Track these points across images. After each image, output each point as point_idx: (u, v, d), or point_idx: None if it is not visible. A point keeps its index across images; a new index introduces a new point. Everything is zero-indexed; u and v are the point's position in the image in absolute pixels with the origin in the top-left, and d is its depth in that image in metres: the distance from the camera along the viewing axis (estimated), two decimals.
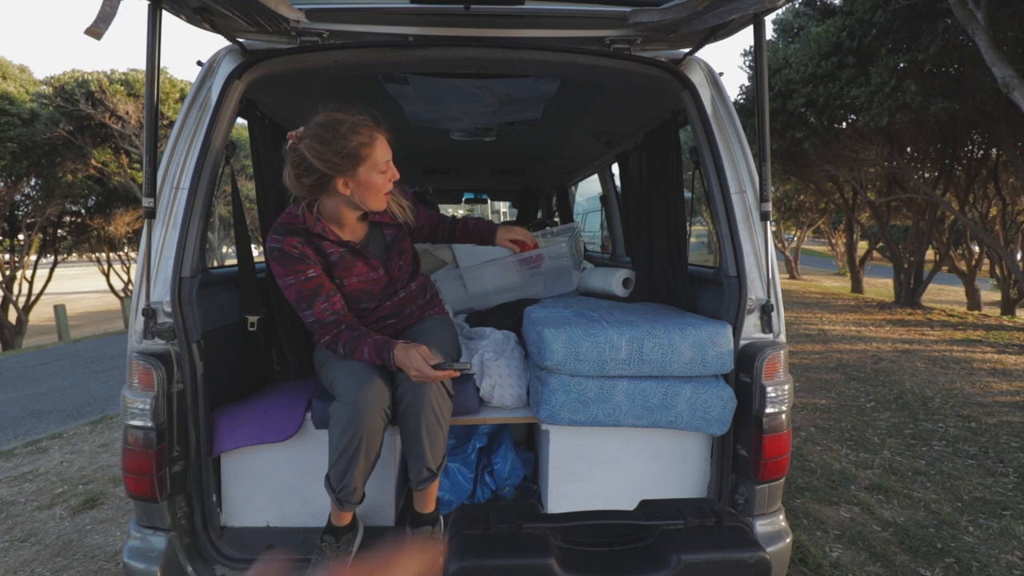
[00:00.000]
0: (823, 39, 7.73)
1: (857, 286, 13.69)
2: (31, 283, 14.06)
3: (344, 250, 1.52)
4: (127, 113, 11.51)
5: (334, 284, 1.51)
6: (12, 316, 13.38)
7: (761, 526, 1.53)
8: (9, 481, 3.50)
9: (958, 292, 13.58)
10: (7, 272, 13.41)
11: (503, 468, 1.73)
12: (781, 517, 1.58)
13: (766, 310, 1.61)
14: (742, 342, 1.59)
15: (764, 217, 1.58)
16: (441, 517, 1.53)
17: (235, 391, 1.74)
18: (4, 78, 11.39)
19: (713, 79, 1.69)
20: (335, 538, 1.41)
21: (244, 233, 1.82)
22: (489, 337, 1.78)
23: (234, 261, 1.90)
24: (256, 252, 3.07)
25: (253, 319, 1.88)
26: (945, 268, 11.42)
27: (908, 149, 9.46)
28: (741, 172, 1.66)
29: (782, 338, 1.63)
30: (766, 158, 1.54)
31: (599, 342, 1.47)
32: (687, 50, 1.70)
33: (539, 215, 5.04)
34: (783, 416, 1.53)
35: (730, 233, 1.61)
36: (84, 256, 17.57)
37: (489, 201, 7.11)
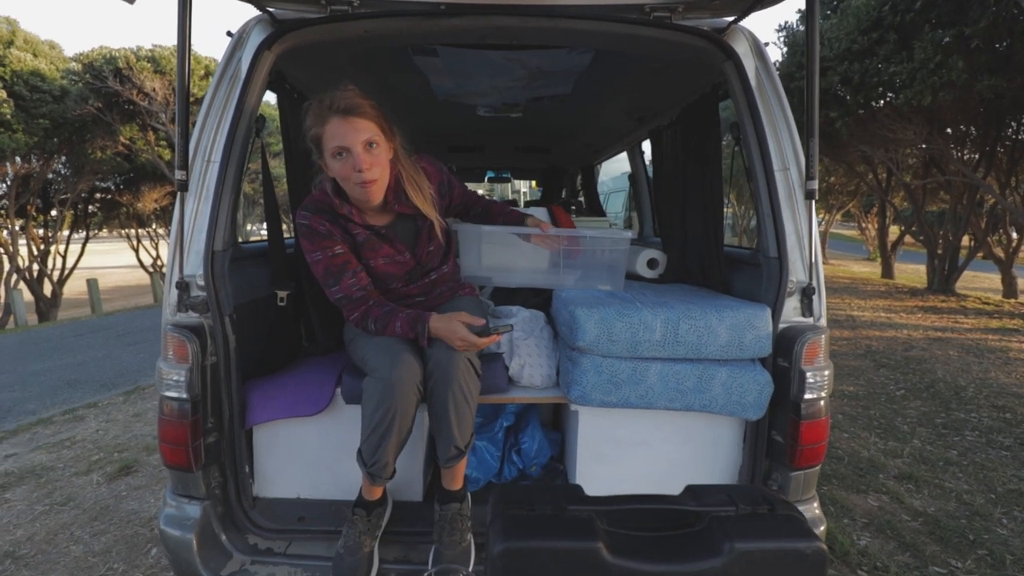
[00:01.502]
0: (863, 13, 7.39)
1: (888, 271, 13.32)
2: (64, 257, 14.47)
3: (370, 232, 1.50)
4: (154, 90, 11.62)
5: (361, 264, 1.50)
6: (48, 289, 13.81)
7: None
8: (48, 447, 3.64)
9: (993, 279, 13.12)
10: (41, 247, 13.82)
11: (530, 447, 1.73)
12: (815, 505, 1.54)
13: (807, 293, 1.56)
14: (781, 325, 1.54)
15: (809, 196, 1.52)
16: (468, 494, 1.53)
17: (266, 365, 1.76)
18: (35, 55, 11.55)
19: (758, 50, 1.61)
20: (366, 512, 1.42)
21: (274, 208, 1.82)
22: (517, 315, 1.76)
23: (258, 237, 1.90)
24: (285, 228, 3.08)
25: (283, 294, 1.88)
26: (981, 255, 11.03)
27: (948, 130, 9.06)
28: (785, 149, 1.59)
29: (823, 322, 1.57)
30: (814, 133, 1.47)
31: (633, 323, 1.44)
32: (731, 18, 1.62)
33: (563, 194, 4.97)
34: (822, 403, 1.48)
35: (772, 212, 1.55)
36: (114, 232, 18.01)
37: (512, 180, 7.03)
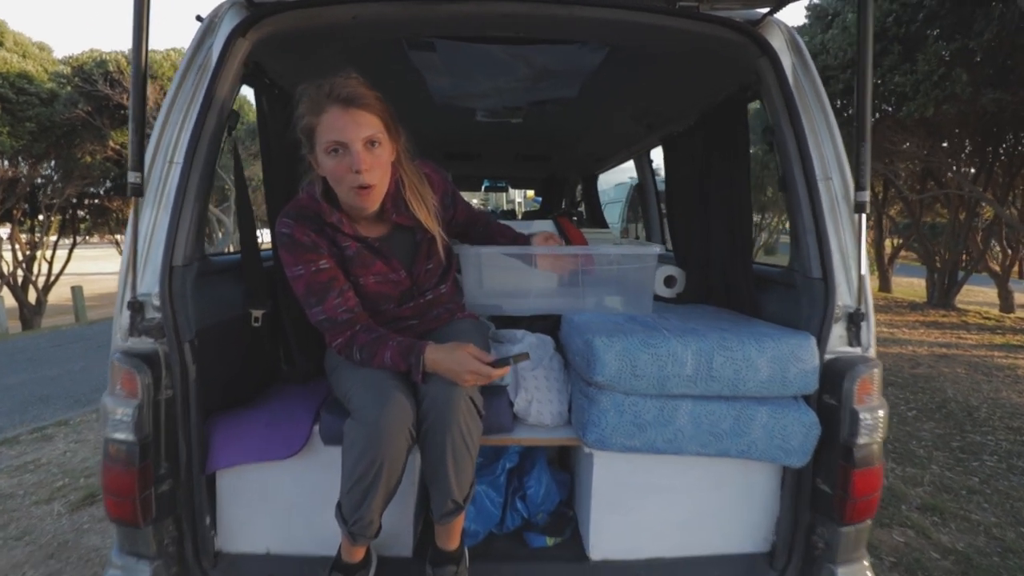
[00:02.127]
0: None
1: (885, 285, 13.23)
2: (51, 264, 14.13)
3: (361, 245, 1.30)
4: (147, 97, 11.38)
5: (349, 281, 1.29)
6: (32, 296, 13.46)
7: (844, 575, 1.30)
8: (10, 471, 3.38)
9: (988, 293, 13.05)
10: (27, 252, 13.48)
11: (537, 493, 1.51)
12: (866, 563, 1.34)
13: (854, 319, 1.37)
14: (826, 357, 1.34)
15: (859, 209, 1.33)
16: (466, 552, 1.32)
17: (235, 396, 1.54)
18: (24, 56, 11.33)
19: (795, 44, 1.43)
20: None
21: (249, 216, 1.61)
22: (522, 341, 1.55)
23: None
24: (263, 238, 2.85)
25: (258, 313, 1.67)
26: (978, 269, 10.95)
27: (944, 144, 8.99)
28: (827, 155, 1.40)
29: (872, 352, 1.38)
30: (865, 138, 1.29)
31: (660, 354, 1.24)
32: (765, 10, 1.44)
33: (563, 204, 4.79)
34: (875, 447, 1.29)
35: (815, 227, 1.36)
36: (104, 238, 17.64)
37: (508, 189, 6.86)
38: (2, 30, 11.23)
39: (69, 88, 11.44)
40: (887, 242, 14.70)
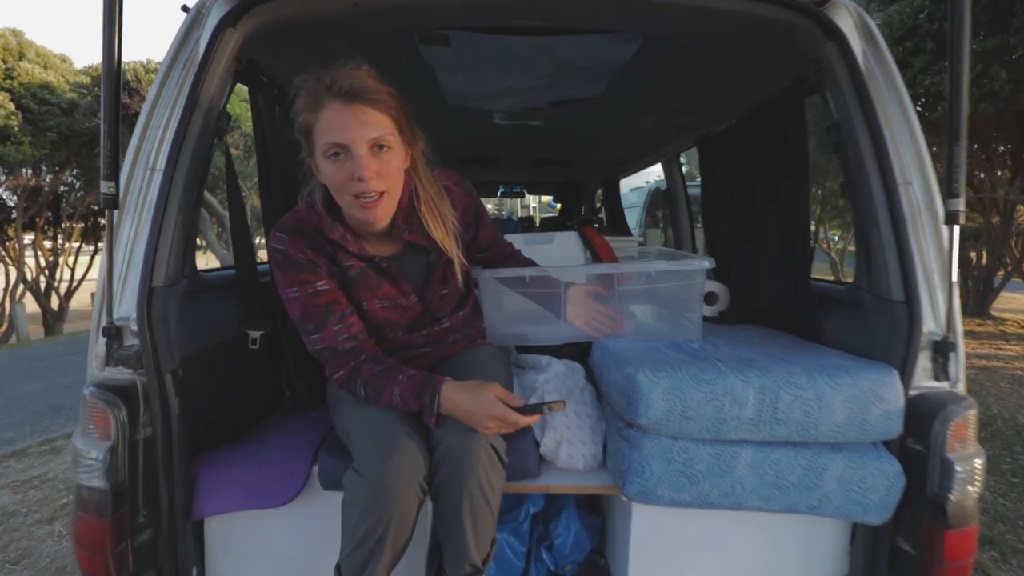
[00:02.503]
0: (897, 22, 7.00)
1: None
2: (73, 270, 14.30)
3: (366, 266, 1.13)
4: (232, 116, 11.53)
5: (352, 305, 1.12)
6: (55, 302, 13.63)
7: None
8: (15, 486, 3.28)
9: (1020, 300, 12.53)
10: (50, 259, 13.66)
11: (565, 542, 1.33)
12: None
13: (941, 349, 1.16)
14: (909, 393, 1.14)
15: (951, 220, 1.12)
16: None
17: (227, 429, 1.38)
18: (45, 67, 11.50)
19: (866, 28, 1.24)
20: None
21: (244, 227, 1.46)
22: (548, 370, 1.37)
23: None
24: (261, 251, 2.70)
25: (255, 335, 1.51)
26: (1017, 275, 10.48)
27: (975, 146, 8.59)
28: (905, 157, 1.20)
29: (961, 387, 1.17)
30: (960, 136, 1.08)
31: (716, 393, 1.05)
32: None
33: (583, 211, 4.59)
34: (970, 502, 1.08)
35: (896, 241, 1.16)
36: None
37: (524, 195, 6.68)
38: (20, 41, 11.42)
39: (89, 98, 11.58)
40: None
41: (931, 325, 1.17)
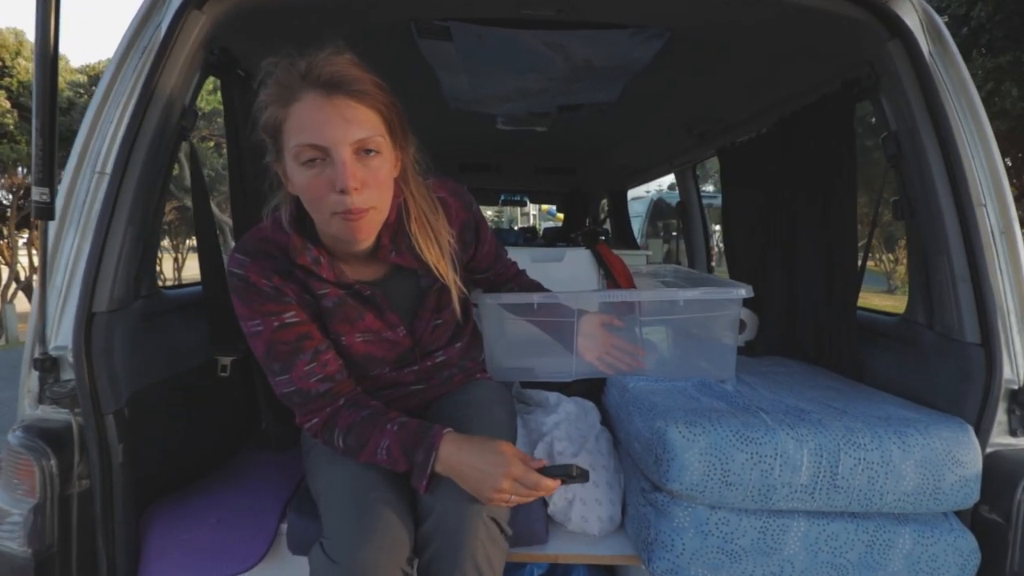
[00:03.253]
0: None
1: None
2: None
3: (345, 293, 0.94)
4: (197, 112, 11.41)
5: (328, 340, 0.94)
6: None
7: None
8: None
9: None
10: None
11: None
12: None
13: (1019, 400, 0.99)
14: (986, 451, 0.97)
15: None
16: None
17: (188, 471, 1.20)
18: None
19: (933, 25, 1.07)
20: None
21: (212, 238, 1.28)
22: (558, 410, 1.18)
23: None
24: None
25: (225, 361, 1.34)
26: None
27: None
28: (979, 173, 1.04)
29: None
30: None
31: (763, 454, 0.87)
32: None
33: (587, 222, 4.42)
34: None
35: (970, 273, 0.99)
36: None
37: (527, 203, 6.52)
38: (21, 40, 11.32)
39: (86, 97, 11.46)
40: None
41: (1008, 371, 1.00)
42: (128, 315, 1.04)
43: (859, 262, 1.31)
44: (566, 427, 1.12)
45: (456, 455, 0.80)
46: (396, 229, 0.92)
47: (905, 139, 1.11)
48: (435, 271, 0.93)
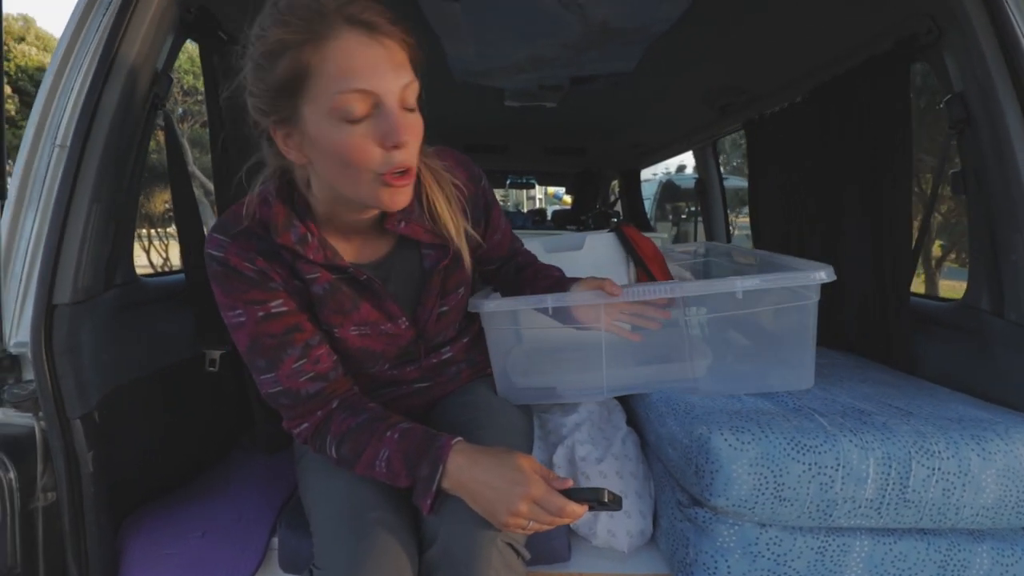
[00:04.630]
0: None
1: (932, 288, 12.40)
2: None
3: (338, 278, 0.82)
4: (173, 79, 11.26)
5: (320, 332, 0.82)
6: None
7: None
8: None
9: None
10: None
11: None
12: None
13: None
14: None
15: None
16: None
17: (171, 478, 1.10)
18: (45, 50, 11.26)
19: None
20: None
21: (194, 221, 1.17)
22: (578, 409, 1.07)
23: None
24: None
25: (215, 354, 1.23)
26: None
27: None
28: None
29: None
30: None
31: (824, 465, 0.75)
32: None
33: (599, 205, 4.28)
34: None
35: None
36: None
37: (535, 186, 6.35)
38: (28, 26, 11.20)
39: None
40: (935, 245, 13.77)
41: None
42: (98, 306, 0.93)
43: (913, 243, 1.17)
44: (588, 428, 1.01)
45: (467, 470, 0.68)
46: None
47: (976, 100, 0.97)
48: (451, 240, 0.81)
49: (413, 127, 0.68)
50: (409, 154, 0.68)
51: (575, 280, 0.91)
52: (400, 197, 0.70)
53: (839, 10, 1.21)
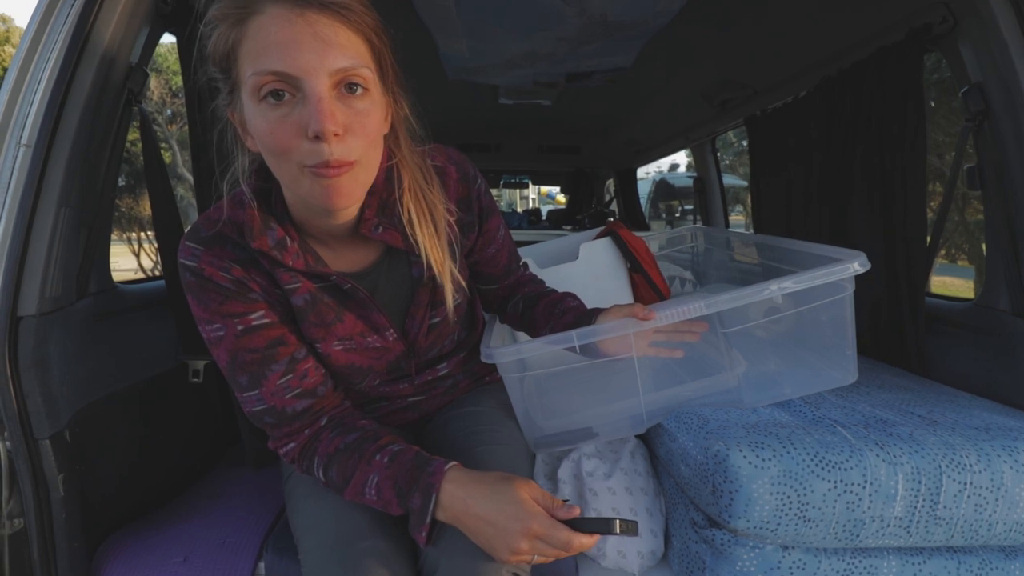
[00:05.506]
0: None
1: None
2: None
3: (319, 288, 0.75)
4: (150, 89, 11.11)
5: (304, 345, 0.76)
6: None
7: None
8: None
9: None
10: None
11: None
12: None
13: None
14: None
15: None
16: None
17: (152, 497, 1.04)
18: None
19: None
20: None
21: (174, 225, 1.10)
22: None
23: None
24: None
25: (198, 365, 1.18)
26: None
27: None
28: None
29: None
30: None
31: (850, 482, 0.70)
32: None
33: (593, 204, 4.24)
34: None
35: None
36: (119, 235, 17.40)
37: (530, 185, 6.30)
38: (9, 27, 11.03)
39: None
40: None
41: None
42: (69, 317, 0.87)
43: (927, 241, 1.13)
44: (596, 443, 0.96)
45: (462, 501, 0.62)
46: (384, 199, 0.73)
47: (996, 92, 0.93)
48: (428, 257, 0.74)
49: (348, 116, 0.59)
50: (343, 149, 0.59)
51: (598, 311, 0.83)
52: (335, 193, 0.61)
53: (846, 2, 1.17)
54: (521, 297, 0.94)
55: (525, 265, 1.00)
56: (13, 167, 0.82)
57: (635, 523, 0.59)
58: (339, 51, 0.57)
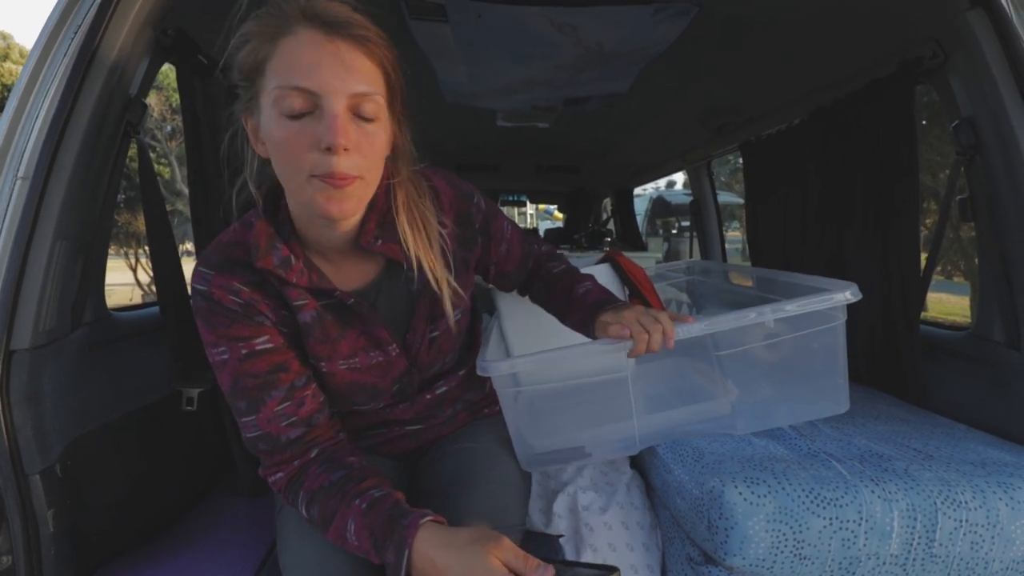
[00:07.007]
0: None
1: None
2: None
3: (324, 306, 0.76)
4: (149, 106, 11.21)
5: (308, 371, 0.76)
6: None
7: None
8: None
9: None
10: None
11: None
12: None
13: None
14: None
15: None
16: None
17: (145, 527, 1.03)
18: None
19: None
20: None
21: (170, 253, 1.10)
22: None
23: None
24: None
25: (192, 393, 1.17)
26: None
27: None
28: None
29: None
30: None
31: (846, 519, 0.69)
32: None
33: (591, 224, 4.25)
34: None
35: None
36: (115, 250, 17.41)
37: (527, 204, 6.34)
38: (9, 44, 11.14)
39: None
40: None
41: None
42: (63, 348, 0.87)
43: (921, 269, 1.14)
44: (590, 473, 0.95)
45: (431, 563, 0.61)
46: (384, 214, 0.75)
47: (986, 125, 0.94)
48: (419, 264, 0.76)
49: (360, 137, 0.64)
50: (349, 163, 0.64)
51: (609, 305, 0.82)
52: (339, 204, 0.65)
53: (839, 34, 1.19)
54: (540, 280, 0.97)
55: (540, 242, 1.00)
56: (9, 200, 0.83)
57: (618, 571, 0.58)
58: (359, 76, 0.63)
